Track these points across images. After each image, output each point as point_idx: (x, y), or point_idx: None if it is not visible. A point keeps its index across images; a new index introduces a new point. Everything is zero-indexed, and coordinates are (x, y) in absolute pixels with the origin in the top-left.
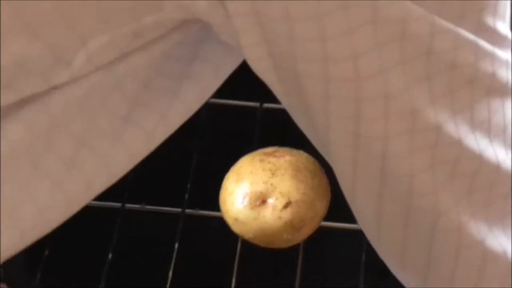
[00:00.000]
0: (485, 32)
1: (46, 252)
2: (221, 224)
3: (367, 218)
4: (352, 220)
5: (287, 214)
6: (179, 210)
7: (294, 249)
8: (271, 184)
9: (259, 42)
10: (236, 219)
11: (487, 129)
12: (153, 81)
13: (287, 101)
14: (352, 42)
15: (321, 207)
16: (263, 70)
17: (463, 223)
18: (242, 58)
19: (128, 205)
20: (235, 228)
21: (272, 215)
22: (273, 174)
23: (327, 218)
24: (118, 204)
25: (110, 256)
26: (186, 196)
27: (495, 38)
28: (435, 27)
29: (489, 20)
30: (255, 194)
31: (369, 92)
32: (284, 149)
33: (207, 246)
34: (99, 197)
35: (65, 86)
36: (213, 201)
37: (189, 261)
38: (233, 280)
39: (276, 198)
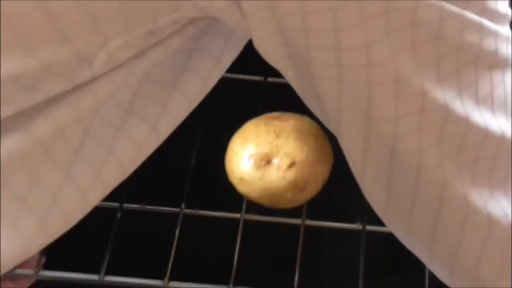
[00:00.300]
0: (488, 12)
1: (44, 252)
2: (221, 223)
3: (376, 192)
4: (352, 220)
5: (291, 174)
6: (178, 210)
7: (293, 249)
8: (276, 145)
9: (273, 33)
10: (241, 179)
11: (490, 102)
12: (154, 74)
13: (298, 86)
14: (364, 32)
15: (324, 169)
16: (275, 59)
17: (468, 191)
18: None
19: (126, 205)
20: (240, 188)
21: (277, 175)
22: (277, 136)
23: (327, 218)
24: (116, 204)
25: (108, 256)
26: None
27: (497, 16)
28: (443, 13)
29: (492, 2)
30: (260, 155)
31: (380, 77)
32: (288, 114)
33: (207, 246)
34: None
35: (88, 86)
36: (213, 201)
37: (189, 261)
38: (232, 280)
39: (281, 159)
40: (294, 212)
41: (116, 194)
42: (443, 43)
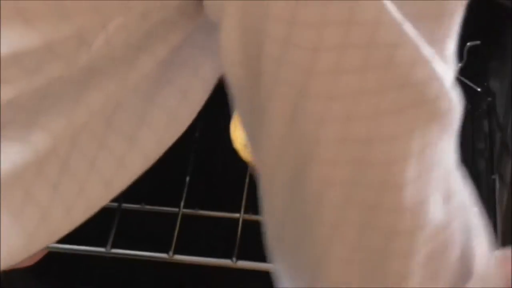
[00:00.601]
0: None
1: (45, 253)
2: (221, 223)
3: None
4: None
5: None
6: (177, 209)
7: None
8: None
9: (237, 27)
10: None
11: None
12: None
13: (241, 85)
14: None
15: None
16: (232, 47)
17: None
18: None
19: (125, 205)
20: (244, 154)
21: None
22: None
23: None
24: (115, 204)
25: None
26: (184, 195)
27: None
28: (401, 38)
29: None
30: None
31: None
32: None
33: (206, 245)
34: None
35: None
36: (213, 201)
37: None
38: (235, 253)
39: None
40: None
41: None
42: (391, 74)
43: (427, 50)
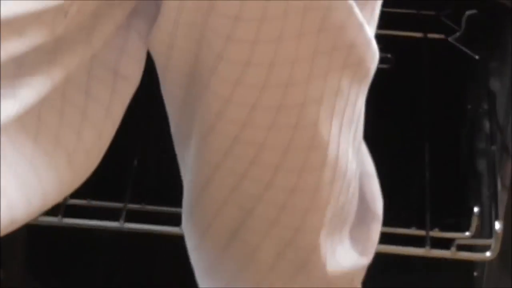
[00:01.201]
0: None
1: (45, 253)
2: None
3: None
4: None
5: None
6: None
7: None
8: None
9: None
10: None
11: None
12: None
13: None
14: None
15: None
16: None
17: None
18: None
19: (127, 205)
20: None
21: None
22: None
23: None
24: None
25: (108, 256)
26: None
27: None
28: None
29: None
30: None
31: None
32: None
33: None
34: (98, 197)
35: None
36: None
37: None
38: None
39: None
40: None
41: (116, 194)
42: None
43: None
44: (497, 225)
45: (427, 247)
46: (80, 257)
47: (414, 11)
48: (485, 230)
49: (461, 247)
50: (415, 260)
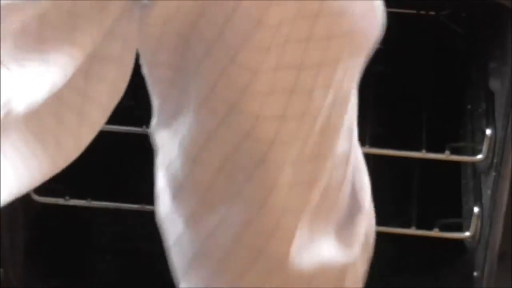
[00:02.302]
0: None
1: (45, 253)
2: None
3: None
4: None
5: None
6: None
7: None
8: None
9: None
10: None
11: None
12: None
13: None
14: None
15: None
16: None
17: None
18: None
19: (126, 205)
20: None
21: None
22: None
23: None
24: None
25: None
26: None
27: None
28: None
29: None
30: None
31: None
32: None
33: None
34: (99, 198)
35: None
36: None
37: None
38: None
39: None
40: None
41: (117, 194)
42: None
43: None
44: (488, 131)
45: (423, 151)
46: (80, 257)
47: (414, 11)
48: (477, 136)
49: (454, 150)
50: (415, 260)
